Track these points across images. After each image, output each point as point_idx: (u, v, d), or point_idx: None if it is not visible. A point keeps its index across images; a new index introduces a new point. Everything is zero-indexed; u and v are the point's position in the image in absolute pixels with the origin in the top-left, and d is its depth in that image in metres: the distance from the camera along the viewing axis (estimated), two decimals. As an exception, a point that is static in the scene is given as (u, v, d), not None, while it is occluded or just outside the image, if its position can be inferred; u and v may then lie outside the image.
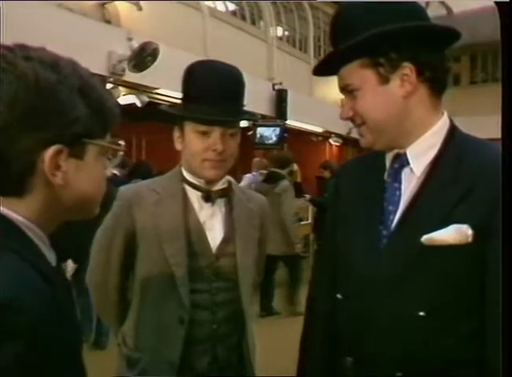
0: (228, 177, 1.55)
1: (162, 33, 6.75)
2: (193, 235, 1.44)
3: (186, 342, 1.41)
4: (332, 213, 1.34)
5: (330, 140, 11.94)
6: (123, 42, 6.27)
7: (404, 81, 1.07)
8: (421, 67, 1.07)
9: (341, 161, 12.21)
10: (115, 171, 6.54)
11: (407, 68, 1.06)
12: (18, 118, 0.69)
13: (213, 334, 1.45)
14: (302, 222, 7.14)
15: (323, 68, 1.18)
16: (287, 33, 10.86)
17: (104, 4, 6.42)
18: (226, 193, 1.50)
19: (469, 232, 1.00)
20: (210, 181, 1.46)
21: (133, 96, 6.92)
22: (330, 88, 11.98)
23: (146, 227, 1.44)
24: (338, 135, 11.83)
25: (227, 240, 1.48)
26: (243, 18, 9.40)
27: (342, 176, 1.37)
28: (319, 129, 11.09)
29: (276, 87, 9.25)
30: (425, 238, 1.02)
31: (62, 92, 0.72)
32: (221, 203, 1.50)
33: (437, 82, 1.10)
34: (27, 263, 0.68)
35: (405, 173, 1.13)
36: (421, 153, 1.11)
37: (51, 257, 0.77)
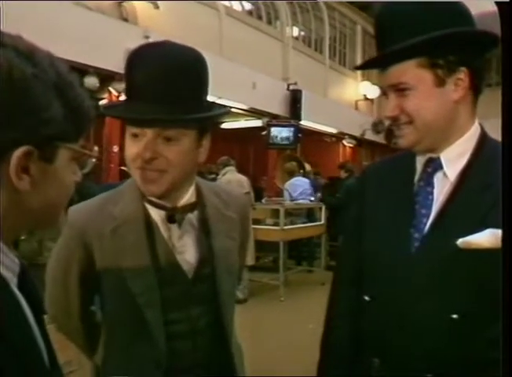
0: (198, 181, 1.30)
1: (178, 31, 6.77)
2: (163, 263, 1.21)
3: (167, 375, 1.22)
4: (356, 214, 1.34)
5: (344, 142, 11.92)
6: (140, 40, 6.28)
7: (457, 86, 1.08)
8: (473, 73, 1.08)
9: (354, 162, 12.21)
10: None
11: (463, 73, 1.07)
12: None
13: (196, 363, 1.26)
14: (315, 223, 7.12)
15: (366, 63, 1.19)
16: (302, 33, 10.85)
17: (121, 2, 6.45)
18: (195, 207, 1.25)
19: None
20: (159, 197, 1.19)
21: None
22: (344, 89, 12.00)
23: (106, 261, 1.20)
24: (351, 136, 11.82)
25: (203, 262, 1.25)
26: (259, 17, 9.41)
27: (369, 177, 1.37)
28: (333, 130, 11.09)
29: (291, 87, 9.25)
30: (460, 241, 1.02)
31: (37, 87, 0.64)
32: (192, 218, 1.25)
33: (479, 89, 1.12)
34: None
35: (437, 178, 1.14)
36: (454, 158, 1.12)
37: (12, 266, 0.69)
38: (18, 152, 0.63)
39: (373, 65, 1.19)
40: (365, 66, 1.22)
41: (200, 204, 1.27)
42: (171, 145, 1.12)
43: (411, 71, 1.08)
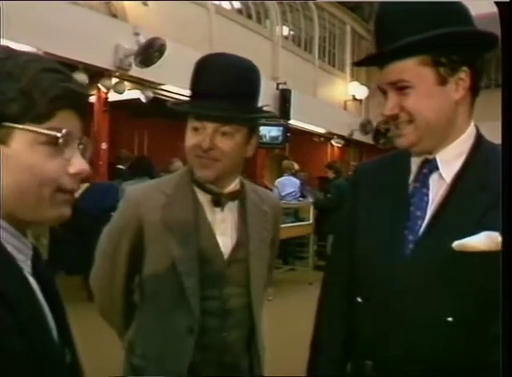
0: (241, 178, 1.49)
1: (167, 29, 6.75)
2: (204, 241, 1.38)
3: (194, 351, 1.36)
4: (348, 214, 1.33)
5: (332, 141, 11.95)
6: (130, 37, 6.25)
7: (458, 85, 1.06)
8: (474, 73, 1.07)
9: (342, 163, 12.24)
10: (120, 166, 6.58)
11: (464, 73, 1.06)
12: None
13: (223, 342, 1.40)
14: (303, 223, 7.13)
15: (366, 59, 1.18)
16: (292, 32, 10.85)
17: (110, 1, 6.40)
18: (238, 196, 1.43)
19: (500, 239, 0.99)
20: (210, 182, 1.38)
21: (138, 91, 6.91)
22: (333, 89, 12.02)
23: (155, 232, 1.37)
24: (340, 136, 11.84)
25: (239, 246, 1.42)
26: (249, 16, 9.38)
27: (361, 177, 1.35)
28: (321, 130, 11.10)
29: (280, 87, 9.24)
30: (456, 244, 1.02)
31: None
32: (233, 206, 1.43)
33: (477, 90, 1.11)
34: None
35: (433, 179, 1.13)
36: (451, 159, 1.11)
37: (25, 251, 0.72)
38: None
39: (373, 62, 1.17)
40: (364, 62, 1.20)
41: (242, 195, 1.44)
42: (226, 139, 1.32)
43: (412, 69, 1.05)
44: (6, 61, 0.68)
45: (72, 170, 0.72)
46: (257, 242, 1.44)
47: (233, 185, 1.42)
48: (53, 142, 0.70)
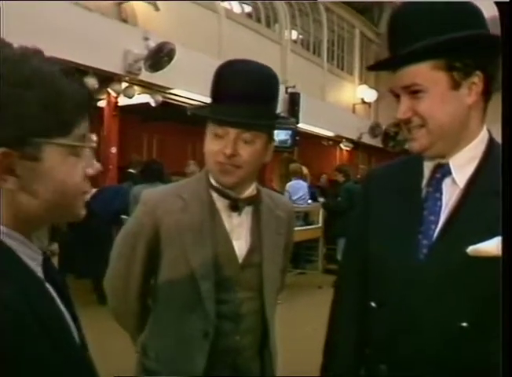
0: (256, 184, 1.49)
1: (177, 33, 6.78)
2: (220, 245, 1.38)
3: (208, 354, 1.36)
4: (360, 219, 1.33)
5: (341, 145, 11.94)
6: (140, 42, 6.29)
7: (471, 90, 1.06)
8: (487, 78, 1.06)
9: (351, 166, 12.22)
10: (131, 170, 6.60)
11: (477, 77, 1.05)
12: None
13: (236, 346, 1.40)
14: (313, 226, 7.12)
15: (379, 63, 1.18)
16: (301, 36, 10.86)
17: (120, 3, 6.45)
18: (254, 201, 1.44)
19: None
20: (230, 188, 1.39)
21: (148, 95, 6.95)
22: (342, 93, 12.01)
23: (171, 235, 1.37)
24: (348, 140, 11.83)
25: (253, 250, 1.42)
26: (258, 20, 9.41)
27: (373, 181, 1.35)
28: (330, 134, 11.09)
29: (289, 90, 9.25)
30: (470, 249, 1.01)
31: (6, 86, 0.62)
32: (248, 210, 1.43)
33: (490, 94, 1.10)
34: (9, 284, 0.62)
35: (446, 184, 1.13)
36: (464, 164, 1.11)
37: (35, 256, 0.72)
38: None
39: (386, 66, 1.16)
40: (377, 67, 1.20)
41: (257, 200, 1.45)
42: (248, 146, 1.33)
43: (425, 73, 1.05)
44: (23, 66, 0.65)
45: (90, 171, 0.74)
46: (271, 246, 1.44)
47: (250, 190, 1.43)
48: (79, 151, 0.71)
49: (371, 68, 1.20)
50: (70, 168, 0.70)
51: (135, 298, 1.47)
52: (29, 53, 0.68)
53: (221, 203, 1.40)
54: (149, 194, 1.46)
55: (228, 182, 1.36)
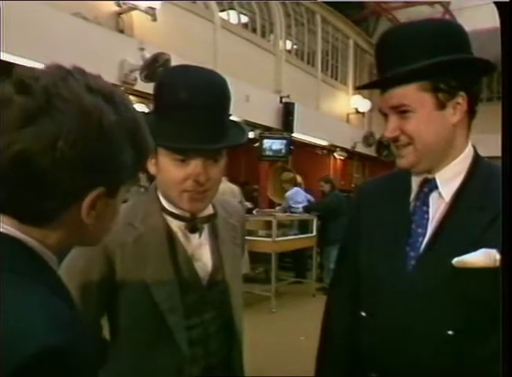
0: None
1: (173, 44, 6.83)
2: (182, 271, 1.25)
3: None
4: (352, 230, 1.37)
5: (335, 154, 11.99)
6: (135, 52, 6.33)
7: (456, 109, 1.12)
8: (471, 98, 1.12)
9: (345, 175, 12.28)
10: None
11: (461, 97, 1.11)
12: (76, 157, 0.64)
13: (206, 368, 1.29)
14: (307, 235, 7.16)
15: (369, 84, 1.24)
16: (295, 46, 10.94)
17: (120, 14, 6.49)
18: (212, 218, 1.32)
19: (498, 256, 1.04)
20: (195, 213, 1.26)
21: (143, 105, 6.99)
22: (336, 102, 12.08)
23: (127, 271, 1.21)
24: (343, 149, 11.89)
25: (216, 268, 1.31)
26: (254, 30, 9.48)
27: (364, 195, 1.40)
28: (324, 143, 11.15)
29: (284, 100, 9.31)
30: (456, 260, 1.06)
31: (118, 134, 0.68)
32: (206, 228, 1.32)
33: (474, 113, 1.16)
34: (56, 296, 0.66)
35: (433, 198, 1.18)
36: (449, 179, 1.16)
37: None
38: (93, 195, 0.68)
39: (375, 86, 1.22)
40: (367, 87, 1.26)
41: (214, 216, 1.33)
42: (215, 167, 1.19)
43: (412, 94, 1.10)
44: (126, 110, 0.70)
45: None
46: (231, 260, 1.35)
47: (208, 209, 1.31)
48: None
49: (361, 88, 1.26)
50: (120, 203, 0.77)
51: None
52: (125, 98, 0.73)
53: (175, 225, 1.27)
54: None
55: (196, 210, 1.24)
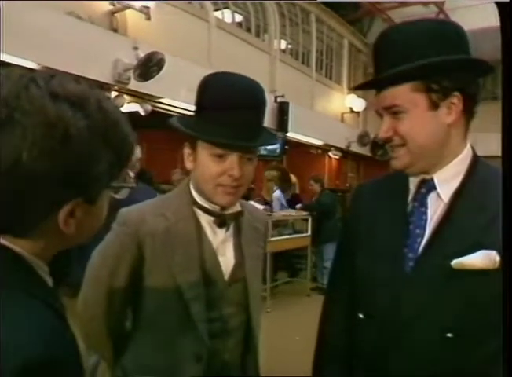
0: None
1: (167, 43, 6.80)
2: (207, 263, 1.33)
3: None
4: (350, 232, 1.36)
5: (330, 153, 12.00)
6: (129, 51, 6.30)
7: (450, 109, 1.10)
8: (467, 97, 1.10)
9: (340, 174, 12.28)
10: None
11: (456, 98, 1.10)
12: (42, 171, 0.62)
13: (223, 363, 1.36)
14: (301, 235, 7.15)
15: (363, 84, 1.23)
16: (290, 46, 10.93)
17: (114, 13, 6.46)
18: (240, 215, 1.40)
19: (497, 258, 1.03)
20: (226, 207, 1.34)
21: (137, 104, 6.96)
22: (330, 102, 12.09)
23: (156, 258, 1.29)
24: (337, 148, 11.89)
25: (238, 265, 1.38)
26: (248, 30, 9.47)
27: (361, 196, 1.39)
28: (319, 142, 11.15)
29: (278, 100, 9.30)
30: (455, 262, 1.05)
31: (89, 142, 0.65)
32: (231, 226, 1.40)
33: (472, 112, 1.14)
34: (49, 308, 0.65)
35: (431, 199, 1.16)
36: (448, 179, 1.15)
37: (49, 282, 0.74)
38: (68, 206, 0.66)
39: (370, 87, 1.21)
40: (363, 87, 1.25)
41: (241, 214, 1.41)
42: (249, 164, 1.30)
43: (405, 95, 1.10)
44: (99, 118, 0.68)
45: None
46: (253, 260, 1.42)
47: (236, 205, 1.39)
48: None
49: (356, 88, 1.26)
50: (107, 202, 0.75)
51: (116, 323, 1.39)
52: (100, 99, 0.70)
53: (205, 220, 1.35)
54: (129, 213, 1.34)
55: (228, 203, 1.32)
